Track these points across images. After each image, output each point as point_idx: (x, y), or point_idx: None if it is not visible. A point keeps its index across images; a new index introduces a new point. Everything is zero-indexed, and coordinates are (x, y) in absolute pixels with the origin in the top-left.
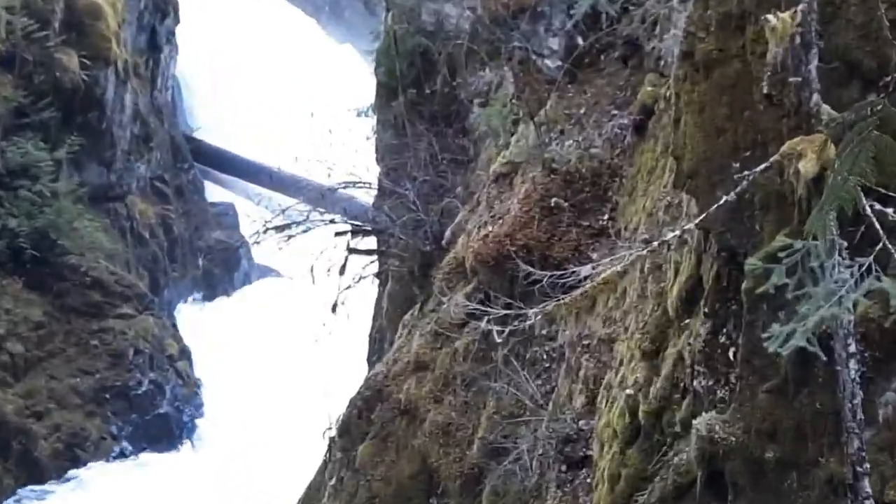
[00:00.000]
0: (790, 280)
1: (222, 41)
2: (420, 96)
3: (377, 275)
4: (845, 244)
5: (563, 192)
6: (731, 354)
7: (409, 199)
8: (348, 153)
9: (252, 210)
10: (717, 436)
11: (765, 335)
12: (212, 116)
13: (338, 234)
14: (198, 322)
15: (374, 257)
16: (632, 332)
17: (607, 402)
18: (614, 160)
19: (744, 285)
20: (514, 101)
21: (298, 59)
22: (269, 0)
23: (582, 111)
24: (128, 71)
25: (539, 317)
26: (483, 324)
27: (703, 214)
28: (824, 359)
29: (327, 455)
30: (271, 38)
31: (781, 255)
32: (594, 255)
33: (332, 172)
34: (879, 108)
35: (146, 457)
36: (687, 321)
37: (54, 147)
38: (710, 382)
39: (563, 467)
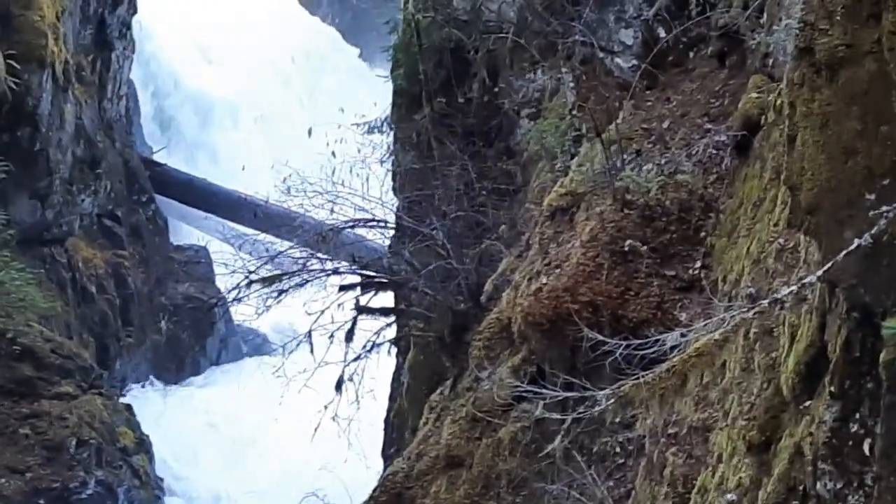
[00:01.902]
0: None
1: (190, 33)
2: (451, 106)
3: (395, 341)
4: None
5: (640, 233)
6: (866, 448)
7: (436, 242)
8: (357, 181)
9: (231, 256)
10: None
11: None
12: (177, 134)
13: (343, 287)
14: (161, 402)
15: (392, 318)
16: (733, 417)
17: None
18: (708, 190)
19: (882, 356)
20: (574, 112)
21: (294, 62)
22: None
23: (665, 125)
24: (69, 75)
25: (611, 400)
26: (536, 408)
27: (829, 263)
28: None
29: None
30: (256, 26)
31: None
32: (683, 317)
33: (337, 207)
34: None
35: None
36: (807, 403)
37: None
38: (839, 485)
39: None
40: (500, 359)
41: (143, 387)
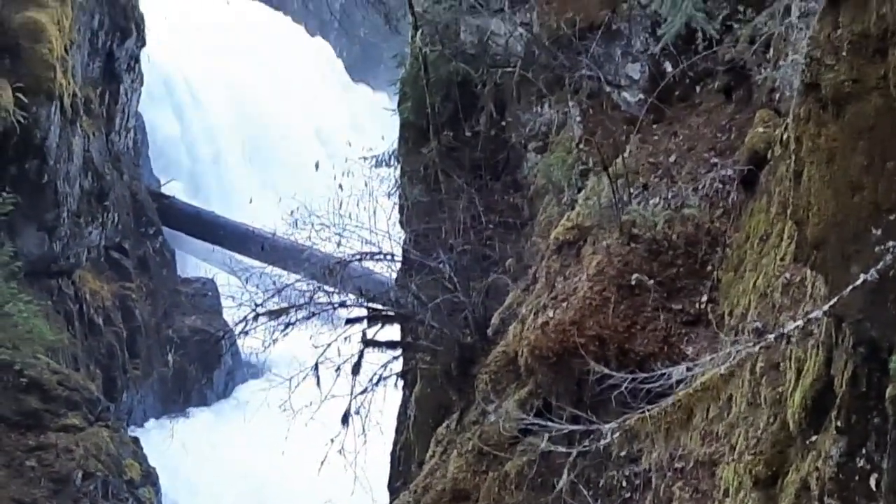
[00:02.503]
0: None
1: (199, 65)
2: (458, 139)
3: (402, 374)
4: None
5: (647, 266)
6: (872, 482)
7: (443, 275)
8: (364, 214)
9: (238, 289)
10: None
11: None
12: (185, 167)
13: (350, 320)
14: (167, 436)
15: (398, 351)
16: (740, 452)
17: None
18: (715, 224)
19: (889, 391)
20: (581, 145)
21: (303, 96)
22: (262, 13)
23: (671, 159)
24: (77, 107)
25: (617, 433)
26: (542, 442)
27: (835, 298)
28: None
29: None
30: (264, 62)
31: None
32: (689, 350)
33: (344, 240)
34: None
35: None
36: (813, 438)
37: None
38: None
39: None
40: (507, 392)
41: (143, 426)
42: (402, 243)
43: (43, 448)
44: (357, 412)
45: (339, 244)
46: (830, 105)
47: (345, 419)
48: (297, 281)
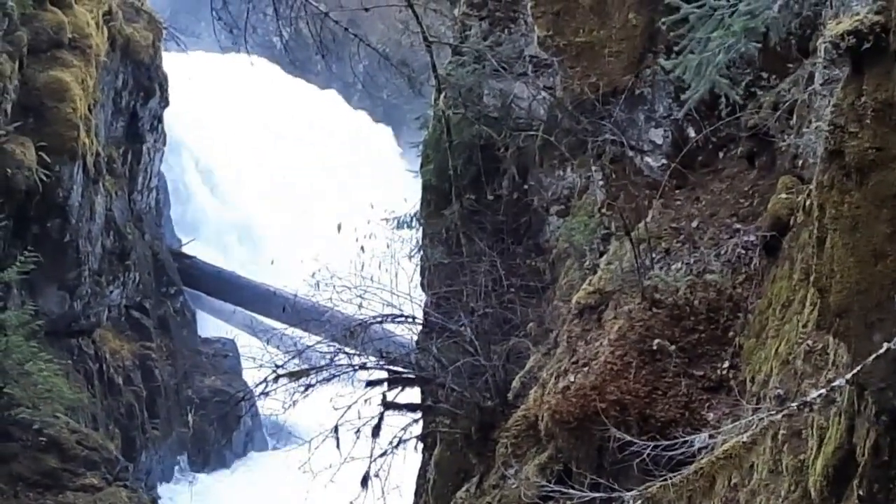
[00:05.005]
0: None
1: (219, 128)
2: (480, 202)
3: (422, 437)
4: None
5: (668, 332)
6: None
7: (464, 338)
8: (385, 277)
9: (258, 350)
10: None
11: None
12: (207, 226)
13: (370, 383)
14: (186, 496)
15: (418, 414)
16: None
17: None
18: (737, 290)
19: None
20: (603, 210)
21: (328, 158)
22: (283, 77)
23: (694, 224)
24: (99, 167)
25: (638, 501)
26: None
27: (858, 366)
28: None
29: None
30: (289, 123)
31: None
32: (710, 417)
33: (365, 302)
34: None
35: None
36: None
37: (1, 265)
38: None
39: None
40: (527, 456)
41: (161, 486)
42: (423, 306)
43: None
44: (377, 475)
45: (360, 306)
46: (854, 172)
47: (364, 482)
48: (318, 342)
